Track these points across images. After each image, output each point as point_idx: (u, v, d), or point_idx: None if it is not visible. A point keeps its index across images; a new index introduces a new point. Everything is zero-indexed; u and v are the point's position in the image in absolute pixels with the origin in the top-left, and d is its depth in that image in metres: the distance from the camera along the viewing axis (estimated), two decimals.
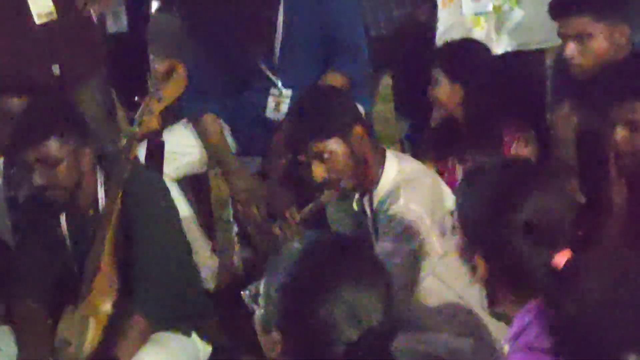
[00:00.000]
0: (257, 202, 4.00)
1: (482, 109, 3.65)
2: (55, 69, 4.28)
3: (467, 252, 2.19)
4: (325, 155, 3.07)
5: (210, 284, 4.03)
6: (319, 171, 3.09)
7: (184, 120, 4.17)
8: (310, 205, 3.43)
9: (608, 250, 2.43)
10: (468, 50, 3.76)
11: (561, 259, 2.08)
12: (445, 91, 3.67)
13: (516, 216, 2.10)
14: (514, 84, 3.83)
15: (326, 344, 1.85)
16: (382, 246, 3.00)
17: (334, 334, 1.85)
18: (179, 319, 3.35)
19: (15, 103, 3.65)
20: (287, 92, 4.03)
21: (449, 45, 3.80)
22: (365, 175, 3.13)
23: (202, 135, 4.08)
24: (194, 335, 3.39)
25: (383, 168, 3.15)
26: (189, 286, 3.45)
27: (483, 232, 2.15)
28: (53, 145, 3.21)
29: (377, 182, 3.14)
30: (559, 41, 3.66)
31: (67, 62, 4.29)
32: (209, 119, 4.07)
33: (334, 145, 3.07)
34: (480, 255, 2.16)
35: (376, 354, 1.87)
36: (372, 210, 3.17)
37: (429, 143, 3.87)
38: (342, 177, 3.10)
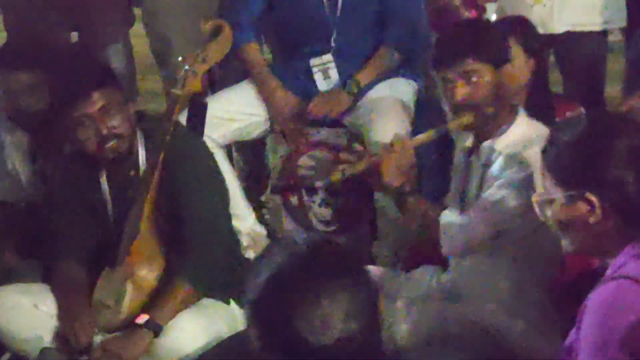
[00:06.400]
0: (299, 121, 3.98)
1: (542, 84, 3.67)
2: (73, 36, 4.24)
3: (574, 198, 2.25)
4: (474, 78, 3.07)
5: (251, 253, 3.97)
6: (461, 91, 3.08)
7: (234, 86, 4.13)
8: (431, 131, 3.38)
9: None
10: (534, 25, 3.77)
11: None
12: (519, 64, 3.63)
13: (620, 142, 2.21)
14: (572, 63, 3.77)
15: (303, 357, 1.82)
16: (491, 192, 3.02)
17: (306, 345, 1.81)
18: (218, 287, 3.31)
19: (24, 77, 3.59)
20: (328, 57, 3.99)
21: (520, 19, 3.78)
22: (494, 117, 3.11)
23: (244, 62, 4.06)
24: (233, 303, 3.33)
25: (512, 121, 3.12)
26: (229, 253, 3.40)
27: (592, 165, 2.23)
28: (110, 93, 3.19)
29: (503, 132, 3.10)
30: (621, 23, 3.57)
31: (87, 28, 4.23)
32: (249, 47, 4.04)
33: (485, 71, 3.07)
34: (591, 193, 2.22)
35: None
36: (487, 157, 3.13)
37: None
38: (482, 105, 3.08)
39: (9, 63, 3.65)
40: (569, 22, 3.98)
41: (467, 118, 3.12)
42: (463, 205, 3.16)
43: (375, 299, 1.88)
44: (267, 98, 4.02)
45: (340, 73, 4.00)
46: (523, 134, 3.06)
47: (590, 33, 4.04)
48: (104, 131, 3.19)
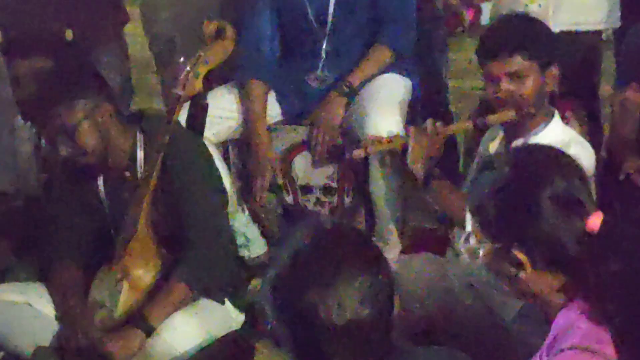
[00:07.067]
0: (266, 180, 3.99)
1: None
2: (68, 34, 4.21)
3: (501, 252, 2.11)
4: (520, 76, 3.09)
5: (244, 252, 3.98)
6: (505, 87, 3.11)
7: (228, 84, 4.12)
8: (467, 121, 3.38)
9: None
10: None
11: (595, 221, 2.06)
12: None
13: (545, 193, 2.06)
14: (567, 63, 3.75)
15: (312, 334, 1.85)
16: None
17: (318, 322, 1.84)
18: (213, 286, 3.30)
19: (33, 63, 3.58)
20: (321, 58, 4.00)
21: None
22: (531, 117, 3.14)
23: (244, 98, 4.02)
24: (227, 303, 3.34)
25: (547, 123, 3.15)
26: (227, 253, 3.39)
27: (516, 219, 2.09)
28: (67, 110, 3.13)
29: (535, 134, 3.12)
30: (616, 23, 3.56)
31: (82, 26, 4.23)
32: (255, 85, 4.01)
33: (531, 71, 3.10)
34: (518, 247, 2.09)
35: (367, 346, 1.87)
36: None
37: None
38: (523, 104, 3.11)
39: (21, 49, 3.62)
40: (564, 22, 3.98)
41: (508, 114, 3.14)
42: None
43: (391, 289, 1.91)
44: (255, 150, 4.01)
45: (334, 73, 3.99)
46: (556, 138, 3.01)
47: (585, 33, 4.05)
48: (63, 152, 3.17)
